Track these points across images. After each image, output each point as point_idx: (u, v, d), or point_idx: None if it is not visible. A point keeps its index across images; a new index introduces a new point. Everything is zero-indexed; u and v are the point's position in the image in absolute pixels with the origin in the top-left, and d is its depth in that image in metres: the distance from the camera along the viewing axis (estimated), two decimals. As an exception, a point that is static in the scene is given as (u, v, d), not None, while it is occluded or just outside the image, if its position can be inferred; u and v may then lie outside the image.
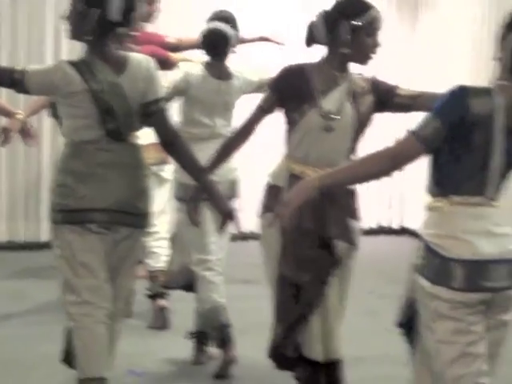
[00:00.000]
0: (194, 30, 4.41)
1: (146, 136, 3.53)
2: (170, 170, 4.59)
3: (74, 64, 3.03)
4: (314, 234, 3.08)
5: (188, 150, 3.23)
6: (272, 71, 3.37)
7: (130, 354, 3.95)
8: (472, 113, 2.31)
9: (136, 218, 3.13)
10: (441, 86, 2.57)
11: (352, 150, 3.18)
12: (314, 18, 3.10)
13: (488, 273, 2.35)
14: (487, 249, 2.35)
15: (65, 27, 3.13)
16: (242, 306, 4.66)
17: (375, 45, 3.08)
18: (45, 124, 6.73)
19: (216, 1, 5.73)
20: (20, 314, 4.97)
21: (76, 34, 3.09)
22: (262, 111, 3.20)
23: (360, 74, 3.18)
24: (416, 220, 7.77)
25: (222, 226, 3.24)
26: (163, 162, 4.76)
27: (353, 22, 3.01)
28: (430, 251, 2.39)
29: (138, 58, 3.13)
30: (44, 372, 3.94)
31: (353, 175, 2.46)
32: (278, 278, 3.13)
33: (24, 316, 4.94)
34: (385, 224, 8.25)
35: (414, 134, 2.35)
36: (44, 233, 6.74)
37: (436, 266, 2.37)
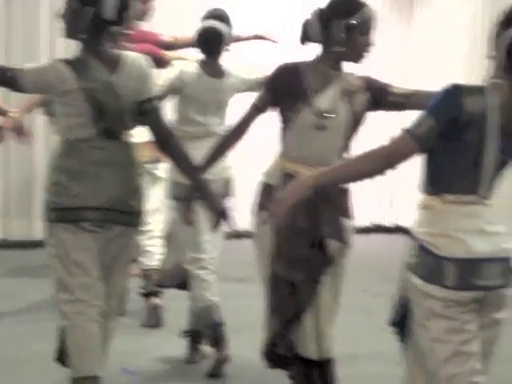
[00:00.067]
0: (189, 28, 4.41)
1: (140, 134, 3.53)
2: (164, 168, 4.59)
3: (68, 62, 3.03)
4: (307, 233, 3.08)
5: (182, 148, 3.23)
6: (266, 70, 3.37)
7: (123, 352, 3.95)
8: (466, 111, 2.32)
9: (129, 216, 3.13)
10: (436, 83, 2.57)
11: (345, 148, 3.18)
12: (309, 17, 3.10)
13: (481, 271, 2.35)
14: (480, 247, 2.35)
15: (59, 26, 3.13)
16: (235, 304, 4.67)
17: (369, 43, 3.07)
18: (38, 122, 6.72)
19: (210, -1, 5.73)
20: (13, 312, 4.97)
21: (70, 33, 3.09)
22: (257, 110, 3.20)
23: (352, 74, 3.18)
24: (410, 218, 7.81)
25: (215, 225, 3.24)
26: (157, 161, 4.76)
27: (347, 21, 3.01)
28: (422, 250, 2.39)
29: (132, 56, 3.13)
30: (37, 370, 3.93)
31: (347, 174, 2.46)
32: (270, 276, 3.13)
33: (17, 314, 4.93)
34: (379, 222, 8.27)
35: (408, 133, 2.35)
36: (37, 231, 6.74)
37: (429, 264, 2.37)
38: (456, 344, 2.36)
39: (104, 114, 3.03)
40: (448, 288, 2.34)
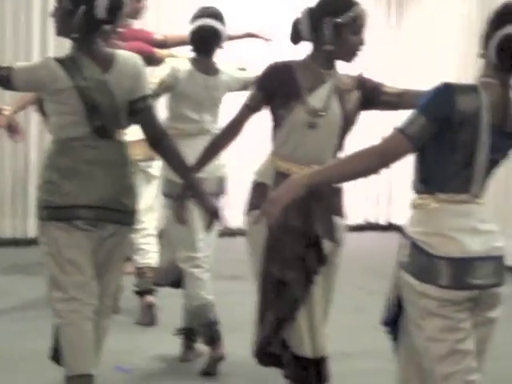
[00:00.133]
0: (180, 26, 4.40)
1: (134, 132, 3.53)
2: (157, 166, 4.58)
3: (60, 61, 3.03)
4: (300, 232, 3.08)
5: (175, 147, 3.22)
6: (258, 68, 3.37)
7: (117, 350, 3.95)
8: (458, 110, 2.32)
9: (122, 214, 3.13)
10: (426, 83, 2.57)
11: (338, 147, 3.18)
12: (299, 15, 3.11)
13: (475, 270, 2.35)
14: (474, 246, 2.35)
15: (52, 24, 3.13)
16: (229, 302, 4.67)
17: (360, 42, 3.07)
18: (32, 120, 6.71)
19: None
20: (6, 310, 4.96)
21: (63, 31, 3.09)
22: (249, 109, 3.19)
23: (344, 73, 3.18)
24: (403, 216, 7.83)
25: (208, 225, 3.24)
26: (151, 159, 4.75)
27: (336, 19, 3.01)
28: (416, 249, 2.39)
29: (125, 55, 3.13)
30: (31, 368, 3.93)
31: (341, 173, 2.45)
32: (263, 275, 3.13)
33: (10, 312, 4.93)
34: (372, 220, 8.28)
35: (400, 132, 2.35)
36: (31, 229, 6.73)
37: (423, 263, 2.37)
38: (451, 343, 2.36)
39: (97, 112, 3.03)
40: (442, 287, 2.34)
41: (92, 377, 3.06)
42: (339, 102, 3.12)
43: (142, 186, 4.59)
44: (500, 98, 2.38)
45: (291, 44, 3.17)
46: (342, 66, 3.17)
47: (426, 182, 2.43)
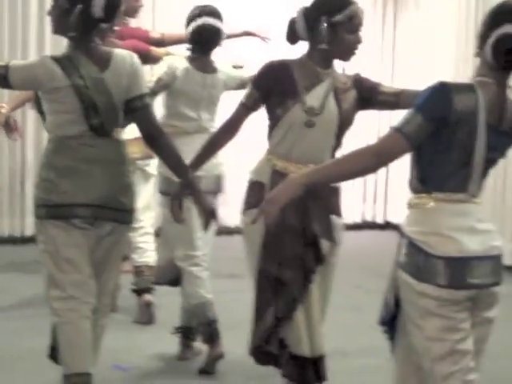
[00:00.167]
0: (177, 25, 4.38)
1: (131, 130, 3.53)
2: (155, 164, 4.58)
3: (57, 59, 3.03)
4: (297, 231, 3.08)
5: (172, 146, 3.22)
6: (255, 67, 3.37)
7: (115, 348, 3.95)
8: (455, 109, 2.32)
9: (120, 213, 3.13)
10: (422, 83, 2.56)
11: (336, 146, 3.18)
12: (295, 15, 3.11)
13: (472, 270, 2.35)
14: (471, 246, 2.36)
15: (49, 22, 3.13)
16: (227, 300, 4.67)
17: (357, 41, 3.06)
18: (29, 118, 6.69)
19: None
20: (4, 308, 4.95)
21: (59, 30, 3.09)
22: (246, 108, 3.19)
23: (342, 72, 3.18)
24: (400, 215, 7.84)
25: (205, 225, 3.23)
26: (149, 157, 4.74)
27: (332, 18, 3.01)
28: (414, 248, 2.39)
29: (122, 53, 3.13)
30: (29, 366, 3.93)
31: (339, 172, 2.44)
32: (260, 274, 3.13)
33: (8, 310, 4.92)
34: (369, 219, 8.28)
35: (397, 131, 2.35)
36: (29, 227, 6.72)
37: (421, 263, 2.36)
38: (451, 342, 2.36)
39: (94, 111, 3.03)
40: (441, 287, 2.34)
41: (90, 375, 3.07)
42: (336, 101, 3.12)
43: (139, 184, 4.59)
44: (496, 97, 2.38)
45: (286, 43, 3.17)
46: (339, 66, 3.17)
47: (423, 182, 2.43)
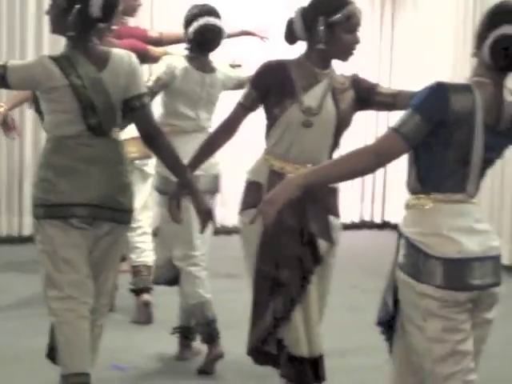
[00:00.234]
0: (175, 24, 4.37)
1: (129, 130, 3.52)
2: (153, 164, 4.57)
3: (55, 59, 3.03)
4: (295, 231, 3.08)
5: (170, 146, 3.21)
6: (253, 66, 3.37)
7: (113, 348, 3.94)
8: (452, 109, 2.32)
9: (118, 213, 3.13)
10: (420, 83, 2.56)
11: (333, 147, 3.18)
12: (293, 15, 3.11)
13: (473, 271, 2.35)
14: (471, 246, 2.35)
15: (47, 21, 3.12)
16: (225, 300, 4.67)
17: (355, 41, 3.06)
18: (27, 117, 6.69)
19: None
20: (2, 308, 4.95)
21: (57, 29, 3.09)
22: (244, 108, 3.18)
23: (340, 73, 3.18)
24: (398, 214, 7.84)
25: (202, 226, 3.22)
26: (147, 157, 4.74)
27: (329, 18, 3.00)
28: (413, 249, 2.38)
29: (121, 53, 3.13)
30: (26, 366, 3.93)
31: (337, 173, 2.44)
32: (258, 274, 3.12)
33: (6, 310, 4.92)
34: (367, 218, 8.28)
35: (395, 131, 2.34)
36: (27, 227, 6.72)
37: (421, 264, 2.36)
38: (452, 343, 2.36)
39: (92, 110, 3.03)
40: (441, 288, 2.33)
41: (88, 375, 3.06)
42: (334, 101, 3.12)
43: (137, 184, 4.58)
44: (493, 98, 2.38)
45: (284, 43, 3.17)
46: (337, 66, 3.17)
47: (422, 182, 2.42)
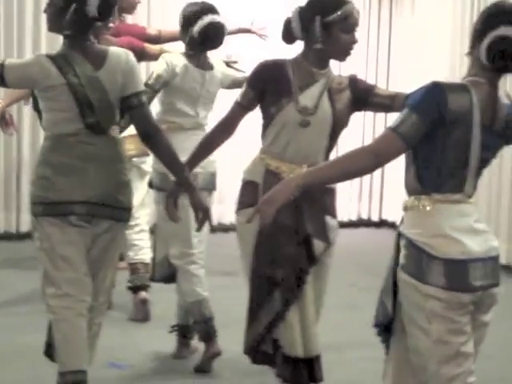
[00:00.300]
0: (172, 21, 4.36)
1: (128, 128, 3.52)
2: (150, 162, 4.57)
3: (52, 58, 3.03)
4: (291, 231, 3.07)
5: (168, 144, 3.21)
6: (249, 65, 3.37)
7: (110, 346, 3.95)
8: (449, 109, 2.31)
9: (117, 211, 3.13)
10: (417, 83, 2.55)
11: (330, 147, 3.17)
12: (290, 15, 3.10)
13: (476, 271, 2.35)
14: (474, 247, 2.35)
15: (44, 20, 3.12)
16: (223, 297, 4.66)
17: (352, 41, 3.05)
18: (25, 114, 6.69)
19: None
20: (0, 304, 4.95)
21: (54, 28, 3.09)
22: (242, 108, 3.18)
23: (338, 74, 3.18)
24: (395, 212, 7.84)
25: (199, 224, 3.22)
26: (145, 154, 4.74)
27: (326, 18, 3.00)
28: (417, 250, 2.36)
29: (118, 51, 3.13)
30: (24, 363, 3.93)
31: (335, 173, 2.43)
32: (253, 274, 3.13)
33: (3, 306, 4.92)
34: (365, 216, 8.29)
35: (392, 131, 2.33)
36: (24, 223, 6.73)
37: (427, 265, 2.34)
38: (457, 345, 2.36)
39: (90, 109, 3.04)
40: (445, 289, 2.32)
41: (85, 373, 3.07)
42: (330, 101, 3.11)
43: (135, 181, 4.55)
44: (488, 98, 2.38)
45: (284, 43, 3.17)
46: (335, 67, 3.17)
47: (422, 183, 2.41)
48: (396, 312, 2.47)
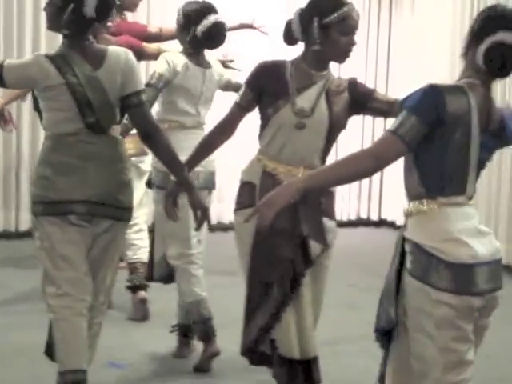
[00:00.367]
0: (172, 19, 4.35)
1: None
2: (149, 161, 4.56)
3: (50, 58, 3.04)
4: (288, 233, 3.06)
5: (168, 143, 3.21)
6: (248, 65, 3.37)
7: (110, 346, 3.94)
8: (448, 111, 2.30)
9: (117, 210, 3.13)
10: (417, 82, 2.55)
11: (326, 149, 3.16)
12: (291, 16, 3.10)
13: (484, 275, 2.34)
14: (482, 250, 2.34)
15: (44, 19, 3.12)
16: (221, 296, 4.67)
17: (350, 43, 3.04)
18: (24, 113, 6.68)
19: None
20: (-1, 303, 4.96)
21: (53, 27, 3.10)
22: (241, 109, 3.18)
23: (338, 76, 3.18)
24: (394, 212, 7.83)
25: (198, 224, 3.22)
26: (143, 153, 4.73)
27: (324, 19, 2.99)
28: (426, 255, 2.33)
29: (117, 51, 3.13)
30: (23, 361, 3.93)
31: (336, 176, 2.41)
32: (250, 275, 3.12)
33: (3, 305, 4.92)
34: (364, 216, 8.29)
35: (392, 133, 2.32)
36: (23, 222, 6.72)
37: (436, 270, 2.31)
38: (461, 353, 2.35)
39: (89, 108, 3.04)
40: (457, 294, 2.30)
41: (84, 372, 3.07)
42: (327, 103, 3.10)
43: (133, 181, 4.56)
44: (483, 99, 2.37)
45: (285, 44, 3.17)
46: (334, 69, 3.17)
47: (426, 186, 2.38)
48: (398, 317, 2.42)
